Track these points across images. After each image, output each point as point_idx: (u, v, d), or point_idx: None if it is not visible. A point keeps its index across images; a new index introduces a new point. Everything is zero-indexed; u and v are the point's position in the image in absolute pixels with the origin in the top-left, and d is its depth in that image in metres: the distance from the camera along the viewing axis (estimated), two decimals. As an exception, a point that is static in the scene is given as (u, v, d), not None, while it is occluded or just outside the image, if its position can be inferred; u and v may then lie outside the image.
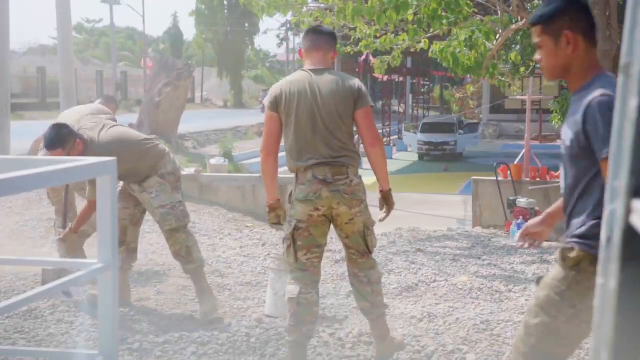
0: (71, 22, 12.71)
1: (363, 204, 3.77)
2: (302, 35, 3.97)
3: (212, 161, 10.96)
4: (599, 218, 2.27)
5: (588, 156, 2.29)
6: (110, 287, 1.86)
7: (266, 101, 3.78)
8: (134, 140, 4.76)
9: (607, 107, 2.20)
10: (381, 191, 3.90)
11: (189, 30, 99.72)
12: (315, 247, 3.74)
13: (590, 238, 2.31)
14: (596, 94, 2.26)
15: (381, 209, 3.93)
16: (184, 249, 4.76)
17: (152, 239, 7.42)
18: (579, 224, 2.37)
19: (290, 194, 3.77)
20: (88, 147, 4.52)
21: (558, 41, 2.38)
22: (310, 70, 3.76)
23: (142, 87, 20.87)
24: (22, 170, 1.55)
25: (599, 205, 2.28)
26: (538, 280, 2.58)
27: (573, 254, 2.36)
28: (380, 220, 3.94)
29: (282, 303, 4.77)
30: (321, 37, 3.84)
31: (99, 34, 70.94)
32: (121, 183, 4.83)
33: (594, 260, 2.27)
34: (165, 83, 18.64)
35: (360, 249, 3.82)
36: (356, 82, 3.78)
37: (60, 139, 4.47)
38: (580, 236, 2.36)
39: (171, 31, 59.18)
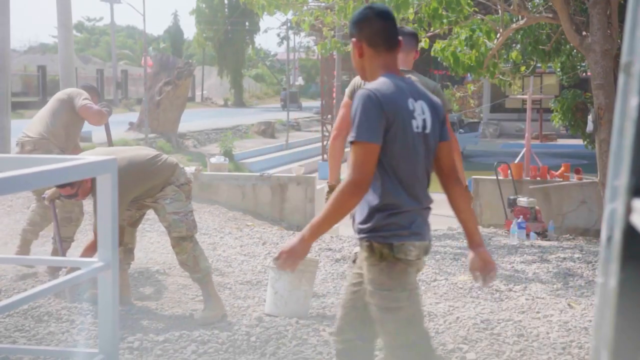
0: (71, 21, 12.72)
1: None
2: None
3: (212, 160, 10.96)
4: (383, 209, 2.53)
5: None
6: (110, 286, 1.87)
7: (347, 89, 4.01)
8: (143, 162, 4.68)
9: (360, 99, 2.50)
10: None
11: (189, 29, 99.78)
12: None
13: (381, 229, 2.54)
14: (363, 87, 2.57)
15: None
16: (191, 258, 4.75)
17: (152, 238, 7.42)
18: (367, 215, 2.57)
19: None
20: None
21: (352, 48, 2.70)
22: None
23: (143, 86, 20.86)
24: (23, 168, 1.55)
25: (381, 197, 2.53)
26: (370, 295, 2.66)
27: (374, 248, 2.55)
28: None
29: (282, 302, 4.77)
30: (405, 38, 3.98)
31: (99, 32, 70.89)
32: None
33: (391, 247, 2.53)
34: (165, 82, 18.64)
35: None
36: (435, 86, 3.92)
37: None
38: (371, 230, 2.56)
39: (171, 30, 59.15)
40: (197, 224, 4.91)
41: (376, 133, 2.48)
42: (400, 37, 2.72)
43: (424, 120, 2.61)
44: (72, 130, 5.66)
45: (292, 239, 2.58)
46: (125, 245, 4.96)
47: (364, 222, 2.58)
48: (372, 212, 2.55)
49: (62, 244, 5.38)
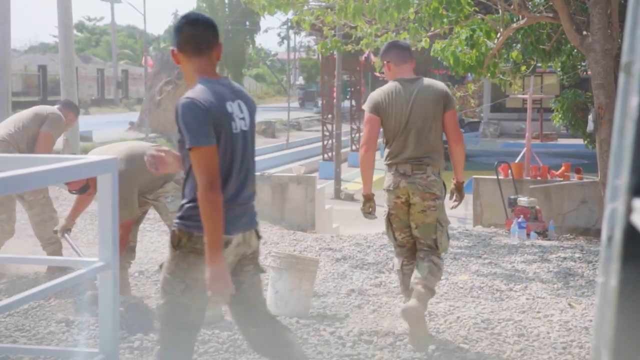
0: (72, 20, 12.69)
1: (438, 200, 4.24)
2: (383, 50, 4.49)
3: (213, 159, 10.96)
4: (193, 200, 2.72)
5: (184, 146, 2.72)
6: (110, 286, 1.87)
7: (366, 106, 4.32)
8: (143, 151, 4.70)
9: (185, 108, 2.68)
10: (457, 182, 4.43)
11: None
12: (406, 227, 4.30)
13: (186, 218, 2.74)
14: (183, 96, 2.73)
15: (451, 199, 4.44)
16: None
17: (152, 237, 7.42)
18: (180, 206, 2.81)
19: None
20: None
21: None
22: (405, 80, 4.30)
23: (143, 86, 20.86)
24: (24, 168, 1.56)
25: (193, 190, 2.71)
26: (160, 266, 2.92)
27: (176, 234, 2.77)
28: (452, 208, 4.48)
29: (283, 301, 4.78)
30: (406, 51, 4.41)
31: (100, 32, 70.84)
32: None
33: (190, 237, 2.73)
34: (166, 81, 18.65)
35: (428, 241, 4.26)
36: (444, 87, 4.34)
37: None
38: (179, 217, 2.78)
39: (172, 29, 59.14)
40: None
41: (210, 135, 2.68)
42: (220, 42, 2.89)
43: (243, 119, 2.82)
44: (34, 143, 5.63)
45: (206, 272, 2.65)
46: (127, 243, 4.96)
47: (177, 211, 2.82)
48: (184, 204, 2.77)
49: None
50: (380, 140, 4.58)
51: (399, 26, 8.19)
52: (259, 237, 2.98)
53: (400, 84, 4.28)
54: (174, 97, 18.78)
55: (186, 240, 2.72)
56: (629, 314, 0.97)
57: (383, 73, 4.62)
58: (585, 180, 9.64)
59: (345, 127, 21.32)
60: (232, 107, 2.78)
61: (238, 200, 2.83)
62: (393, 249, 4.53)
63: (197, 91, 2.73)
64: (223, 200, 2.72)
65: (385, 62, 4.42)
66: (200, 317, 2.94)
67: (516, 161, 10.73)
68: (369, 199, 4.38)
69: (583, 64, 9.79)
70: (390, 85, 4.32)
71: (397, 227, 4.32)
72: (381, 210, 4.45)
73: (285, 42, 53.46)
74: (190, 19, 2.86)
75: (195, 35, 2.82)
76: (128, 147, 4.74)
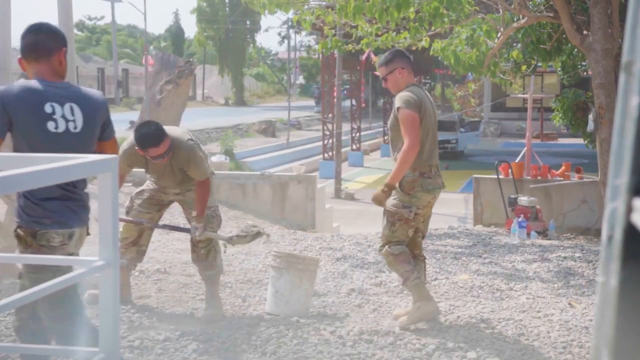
0: (72, 20, 12.70)
1: None
2: (392, 57, 4.60)
3: (213, 159, 10.97)
4: (28, 198, 2.89)
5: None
6: (111, 285, 1.86)
7: (409, 106, 4.35)
8: (189, 136, 4.69)
9: None
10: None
11: (190, 28, 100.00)
12: (419, 223, 4.58)
13: (26, 217, 2.90)
14: None
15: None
16: (212, 252, 4.77)
17: (153, 237, 7.40)
18: (18, 204, 2.94)
19: (401, 185, 4.41)
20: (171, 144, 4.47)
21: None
22: (420, 86, 4.62)
23: (143, 85, 20.86)
24: (25, 167, 1.56)
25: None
26: (19, 276, 3.12)
27: (20, 234, 2.95)
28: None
29: (283, 301, 4.77)
30: (409, 61, 4.63)
31: (100, 31, 70.84)
32: (147, 187, 4.85)
33: (34, 234, 2.92)
34: (166, 81, 18.62)
35: (425, 232, 4.75)
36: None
37: (162, 133, 4.36)
38: (18, 217, 2.95)
39: (172, 29, 59.09)
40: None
41: None
42: (63, 48, 3.01)
43: (73, 122, 2.96)
44: None
45: None
46: (140, 246, 4.96)
47: (16, 210, 2.95)
48: (21, 203, 2.92)
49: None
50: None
51: (399, 25, 8.19)
52: (88, 233, 3.14)
53: (421, 89, 4.55)
54: (174, 96, 18.77)
55: (32, 238, 2.91)
56: (629, 314, 0.97)
57: (386, 80, 4.61)
58: (585, 179, 9.64)
59: (346, 127, 21.31)
60: (56, 108, 2.91)
61: (74, 196, 2.98)
62: (392, 245, 4.48)
63: (13, 85, 2.94)
64: (58, 196, 2.88)
65: (399, 67, 4.52)
66: (75, 303, 3.07)
67: (516, 160, 10.74)
68: (391, 189, 4.41)
69: (583, 63, 9.79)
70: (415, 89, 4.50)
71: (414, 225, 4.49)
72: (376, 210, 4.48)
73: (286, 41, 53.54)
74: (33, 27, 3.02)
75: (35, 42, 2.99)
76: (176, 128, 4.82)
